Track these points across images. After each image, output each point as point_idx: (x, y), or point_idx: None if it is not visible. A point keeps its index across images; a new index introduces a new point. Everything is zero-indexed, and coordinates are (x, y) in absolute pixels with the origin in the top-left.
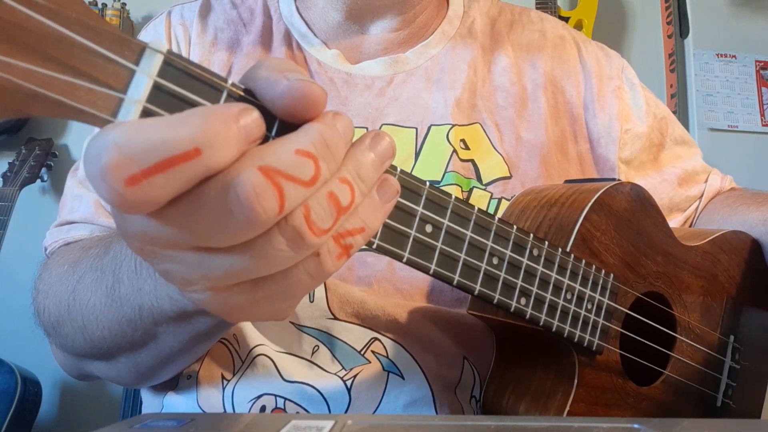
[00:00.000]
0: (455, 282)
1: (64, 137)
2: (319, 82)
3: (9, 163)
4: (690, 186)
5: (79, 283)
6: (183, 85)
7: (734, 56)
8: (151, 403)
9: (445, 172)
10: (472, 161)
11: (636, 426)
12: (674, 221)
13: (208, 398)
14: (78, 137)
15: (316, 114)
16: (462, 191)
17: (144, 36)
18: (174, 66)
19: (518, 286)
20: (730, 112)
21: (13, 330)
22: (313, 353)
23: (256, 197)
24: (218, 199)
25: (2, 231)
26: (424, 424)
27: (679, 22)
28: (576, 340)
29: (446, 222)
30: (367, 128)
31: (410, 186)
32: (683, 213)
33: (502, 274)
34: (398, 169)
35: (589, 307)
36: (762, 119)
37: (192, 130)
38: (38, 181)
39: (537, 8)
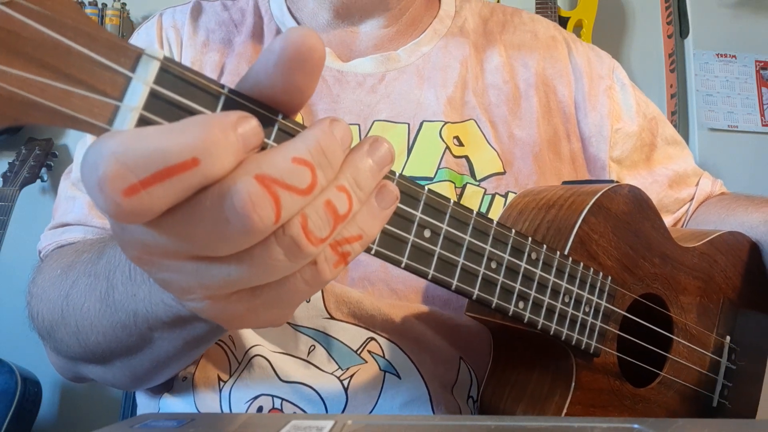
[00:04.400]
0: (453, 287)
1: (64, 137)
2: None
3: (9, 163)
4: (680, 188)
5: (72, 288)
6: (180, 92)
7: (734, 56)
8: (146, 405)
9: (438, 169)
10: (466, 157)
11: (635, 426)
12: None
13: (205, 400)
14: (78, 137)
15: (319, 55)
16: (455, 187)
17: (136, 38)
18: (171, 73)
19: (516, 290)
20: (730, 112)
21: (13, 330)
22: (309, 353)
23: (252, 206)
24: (215, 208)
25: (2, 231)
26: (423, 424)
27: (679, 22)
28: (573, 342)
29: (445, 227)
30: (359, 125)
31: (408, 191)
32: (672, 215)
33: (501, 279)
34: (397, 174)
35: (587, 310)
36: (762, 119)
37: (190, 139)
38: (38, 181)
39: (537, 8)
